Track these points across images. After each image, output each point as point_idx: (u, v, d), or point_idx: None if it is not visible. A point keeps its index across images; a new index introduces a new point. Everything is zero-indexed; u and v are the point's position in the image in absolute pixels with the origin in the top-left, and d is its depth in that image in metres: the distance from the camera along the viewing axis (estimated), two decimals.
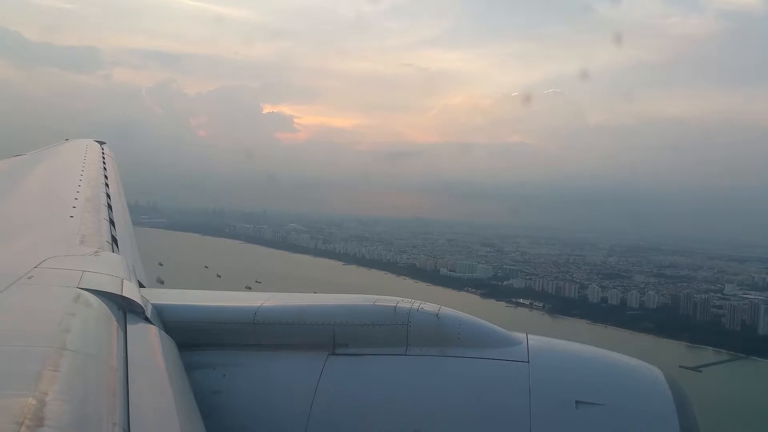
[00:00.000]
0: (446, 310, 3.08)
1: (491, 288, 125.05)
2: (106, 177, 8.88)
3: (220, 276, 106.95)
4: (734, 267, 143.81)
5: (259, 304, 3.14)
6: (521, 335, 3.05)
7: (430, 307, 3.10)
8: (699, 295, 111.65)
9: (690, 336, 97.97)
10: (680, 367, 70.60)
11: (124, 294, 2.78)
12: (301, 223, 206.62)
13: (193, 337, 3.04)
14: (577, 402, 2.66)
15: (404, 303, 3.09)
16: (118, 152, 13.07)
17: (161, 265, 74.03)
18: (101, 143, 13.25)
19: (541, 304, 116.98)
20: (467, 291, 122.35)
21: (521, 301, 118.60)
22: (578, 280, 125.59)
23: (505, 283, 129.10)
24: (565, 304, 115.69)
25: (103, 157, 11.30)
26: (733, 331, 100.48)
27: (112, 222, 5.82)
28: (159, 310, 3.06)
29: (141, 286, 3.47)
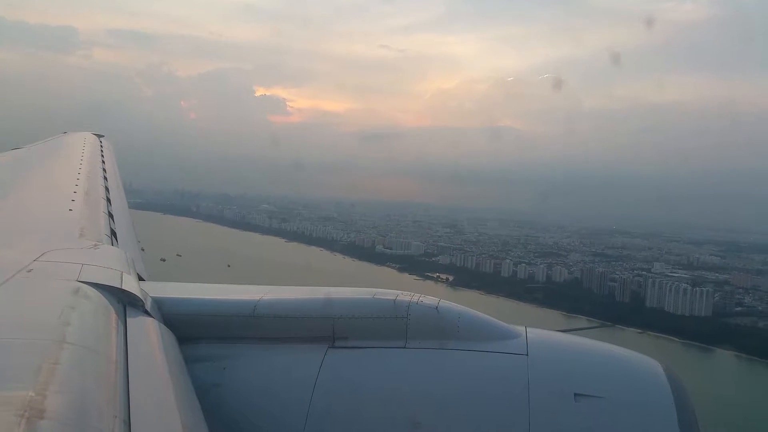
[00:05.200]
0: (445, 303, 3.08)
1: (416, 264, 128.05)
2: (104, 170, 8.97)
3: (143, 249, 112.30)
4: (686, 249, 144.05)
5: (259, 297, 3.17)
6: (520, 328, 3.06)
7: (429, 300, 3.09)
8: (599, 270, 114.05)
9: (570, 306, 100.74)
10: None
11: (124, 287, 2.79)
12: (275, 205, 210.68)
13: (193, 330, 3.06)
14: (575, 395, 2.67)
15: (404, 296, 3.10)
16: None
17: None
18: (99, 136, 13.42)
19: (445, 277, 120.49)
20: (387, 266, 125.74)
21: (433, 275, 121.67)
22: (508, 258, 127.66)
23: (432, 259, 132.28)
24: (472, 277, 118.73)
25: (102, 151, 11.40)
26: (620, 302, 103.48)
27: (111, 215, 5.89)
28: (159, 303, 3.06)
29: (140, 279, 3.50)
